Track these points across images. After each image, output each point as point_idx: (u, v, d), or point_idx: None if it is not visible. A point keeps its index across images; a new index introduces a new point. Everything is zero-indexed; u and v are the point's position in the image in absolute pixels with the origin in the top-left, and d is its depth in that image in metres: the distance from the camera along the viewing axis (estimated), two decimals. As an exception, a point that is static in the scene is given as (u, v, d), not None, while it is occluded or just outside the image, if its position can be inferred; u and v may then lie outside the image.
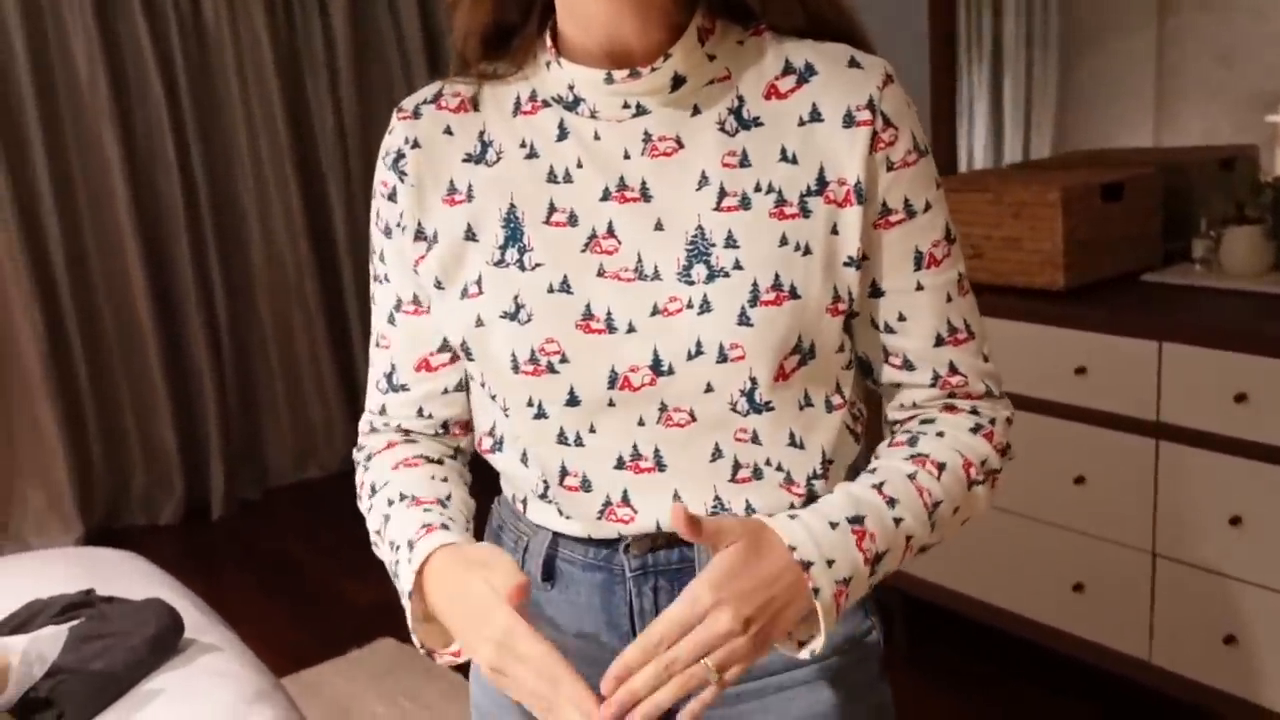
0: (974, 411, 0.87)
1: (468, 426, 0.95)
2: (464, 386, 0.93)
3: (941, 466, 0.83)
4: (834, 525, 0.77)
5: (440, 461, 0.92)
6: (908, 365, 0.86)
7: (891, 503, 0.80)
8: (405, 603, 0.82)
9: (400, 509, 0.86)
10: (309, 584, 3.18)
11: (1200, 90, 2.42)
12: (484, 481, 0.99)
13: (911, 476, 0.81)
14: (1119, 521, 1.99)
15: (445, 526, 0.83)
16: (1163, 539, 1.93)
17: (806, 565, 0.74)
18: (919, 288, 0.84)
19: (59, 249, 3.41)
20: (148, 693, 1.36)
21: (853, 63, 0.81)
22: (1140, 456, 1.93)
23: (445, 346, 0.90)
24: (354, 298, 3.94)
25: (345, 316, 3.96)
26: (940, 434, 0.85)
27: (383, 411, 0.94)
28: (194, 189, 3.59)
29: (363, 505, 0.92)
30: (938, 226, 0.84)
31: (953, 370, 0.86)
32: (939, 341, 0.85)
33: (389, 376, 0.93)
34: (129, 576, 1.68)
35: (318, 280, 3.83)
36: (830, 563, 0.75)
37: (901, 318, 0.84)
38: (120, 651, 1.35)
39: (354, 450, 0.98)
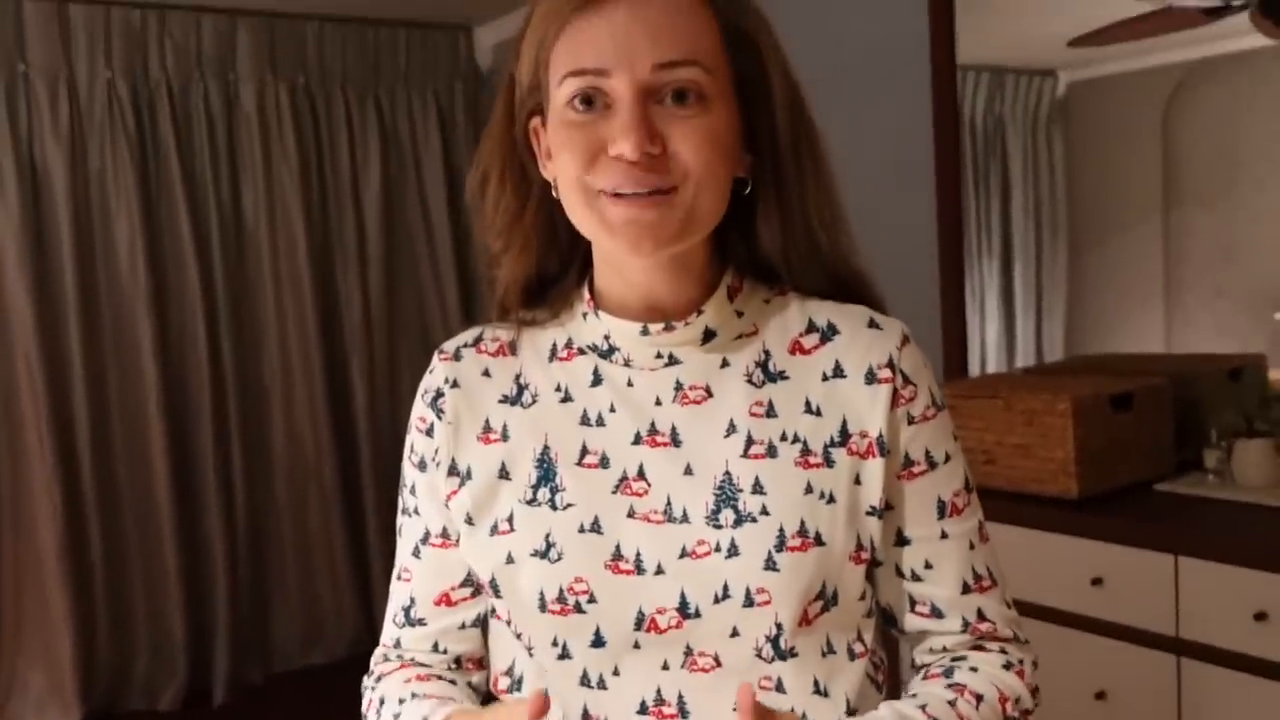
0: (1003, 652, 0.89)
1: (480, 663, 0.96)
2: (480, 623, 0.94)
3: (980, 697, 0.84)
4: None
5: (454, 683, 0.93)
6: (936, 613, 0.88)
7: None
8: None
9: (411, 704, 0.87)
10: (308, 779, 3.08)
11: (1206, 285, 2.48)
12: None
13: (952, 703, 0.82)
14: (1144, 741, 1.93)
15: (457, 701, 0.85)
16: (1190, 762, 1.87)
17: None
18: (944, 535, 0.87)
19: (85, 426, 3.47)
20: None
21: (872, 324, 0.87)
22: (1162, 673, 1.89)
23: (468, 581, 0.92)
24: (371, 485, 3.96)
25: (361, 502, 3.96)
26: (974, 669, 0.87)
27: (397, 645, 0.96)
28: (221, 372, 3.67)
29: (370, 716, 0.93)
30: (958, 476, 0.88)
31: (981, 617, 0.88)
32: (966, 589, 0.88)
33: (407, 610, 0.94)
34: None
35: (336, 465, 3.86)
36: None
37: (928, 565, 0.87)
38: None
39: (364, 678, 0.98)
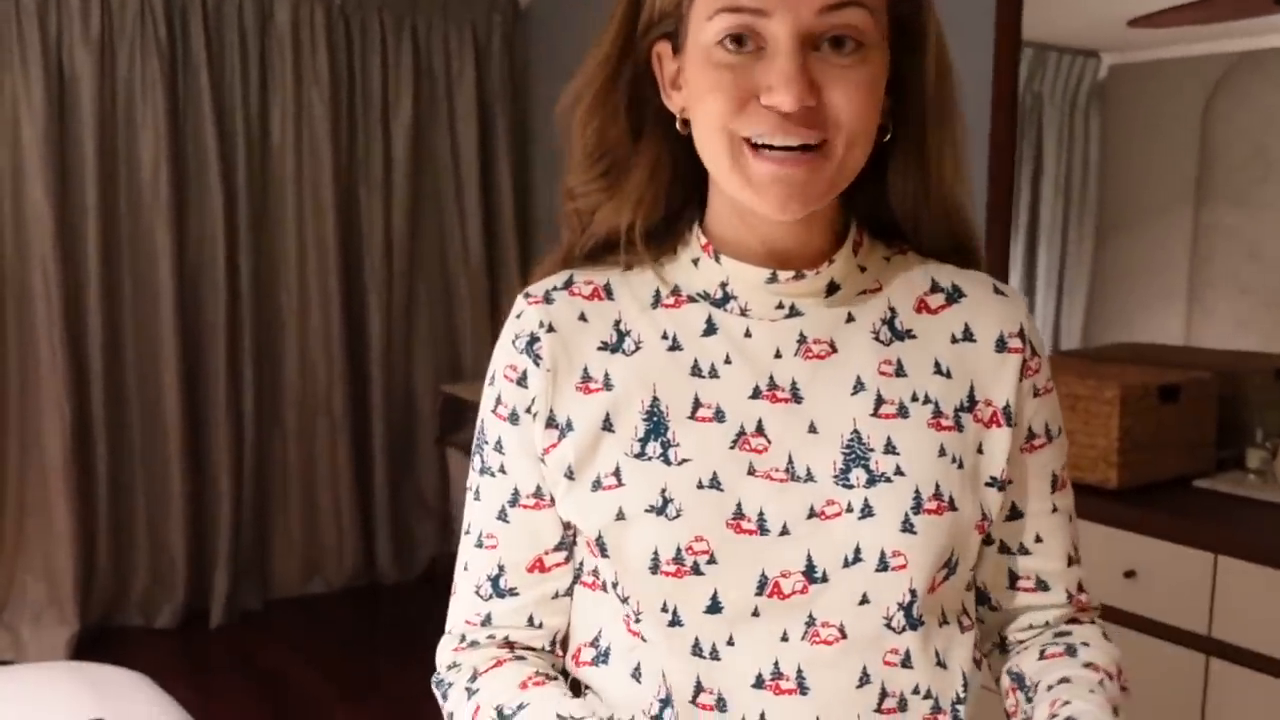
0: (1094, 623, 0.88)
1: (566, 644, 0.88)
2: (569, 593, 0.86)
3: (1109, 675, 0.82)
4: None
5: (557, 680, 0.84)
6: (1041, 586, 0.86)
7: (1116, 714, 0.78)
8: None
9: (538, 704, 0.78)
10: (304, 706, 3.08)
11: (1231, 283, 2.44)
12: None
13: (1101, 684, 0.80)
14: (1164, 737, 1.91)
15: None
16: (1210, 761, 1.86)
17: None
18: (1054, 510, 0.85)
19: (97, 340, 3.42)
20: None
21: (997, 290, 0.83)
22: (1189, 672, 1.86)
23: (562, 545, 0.85)
24: (380, 420, 3.91)
25: (370, 437, 3.92)
26: (1086, 643, 0.85)
27: (486, 622, 0.86)
28: (238, 294, 3.62)
29: None
30: (1065, 451, 0.86)
31: (1080, 588, 0.87)
32: (1070, 561, 0.86)
33: (495, 580, 0.85)
34: (135, 702, 1.62)
35: (346, 397, 3.82)
36: None
37: (1039, 539, 0.85)
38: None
39: (435, 677, 0.88)
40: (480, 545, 0.86)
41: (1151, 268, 2.58)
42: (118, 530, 3.54)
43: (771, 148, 0.73)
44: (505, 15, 4.02)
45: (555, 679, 0.85)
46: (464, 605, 0.87)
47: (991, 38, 2.62)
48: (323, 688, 3.17)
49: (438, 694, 0.87)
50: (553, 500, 0.84)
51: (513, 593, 0.85)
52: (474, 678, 0.84)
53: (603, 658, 0.83)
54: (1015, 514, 0.85)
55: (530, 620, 0.86)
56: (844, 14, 0.72)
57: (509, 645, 0.86)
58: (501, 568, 0.85)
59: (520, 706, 0.80)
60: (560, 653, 0.87)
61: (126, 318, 3.49)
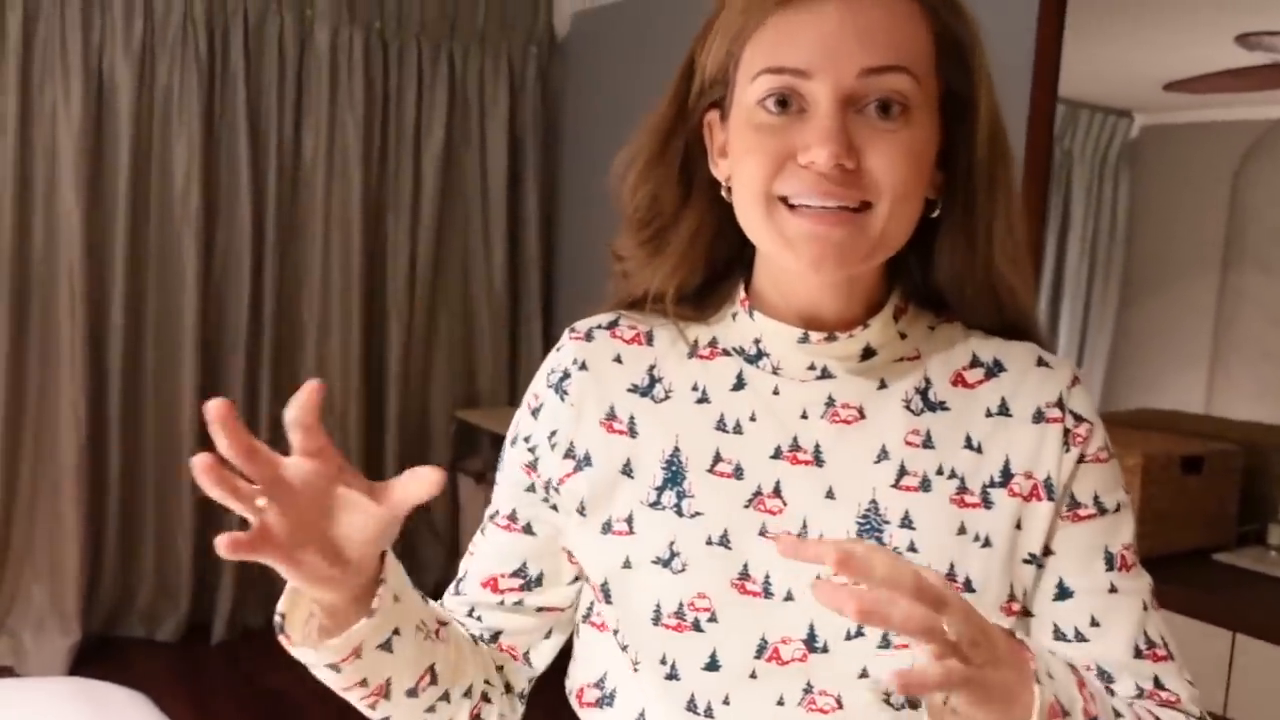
0: (1187, 716, 0.79)
1: (525, 658, 0.89)
2: (527, 610, 0.87)
3: None
4: (1052, 654, 0.70)
5: (476, 641, 0.87)
6: (1105, 677, 0.79)
7: (1118, 716, 0.72)
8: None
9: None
10: (300, 729, 3.06)
11: (1255, 350, 2.41)
12: None
13: (1130, 705, 0.75)
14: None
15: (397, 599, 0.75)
16: (1220, 845, 1.82)
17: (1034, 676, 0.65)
18: (1113, 589, 0.79)
19: (118, 347, 3.43)
20: None
21: (1041, 362, 0.81)
22: (1202, 750, 1.83)
23: (520, 573, 0.86)
24: (394, 442, 3.91)
25: (383, 454, 3.93)
26: (1155, 715, 0.77)
27: (441, 605, 0.91)
28: (260, 308, 3.63)
29: None
30: (1128, 529, 0.81)
31: (1159, 685, 0.79)
32: (1139, 654, 0.79)
33: (459, 582, 0.90)
34: (138, 722, 1.61)
35: (361, 417, 3.82)
36: (1051, 676, 0.66)
37: (1095, 623, 0.79)
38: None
39: None
40: (469, 551, 0.91)
41: (1175, 332, 2.56)
42: (125, 540, 3.53)
43: (809, 207, 0.72)
44: (541, 46, 4.05)
45: (474, 639, 0.86)
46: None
47: (1028, 93, 2.61)
48: (322, 709, 3.15)
49: None
50: (529, 529, 0.86)
51: (463, 596, 0.90)
52: None
53: (608, 700, 0.83)
54: (1064, 593, 0.79)
55: (471, 612, 0.89)
56: (887, 79, 0.71)
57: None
58: (465, 574, 0.90)
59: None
60: (509, 651, 0.88)
61: (148, 326, 3.51)
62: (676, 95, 0.80)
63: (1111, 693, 0.79)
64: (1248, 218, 2.44)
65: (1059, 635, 0.80)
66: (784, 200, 0.73)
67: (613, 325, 0.87)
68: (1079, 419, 0.80)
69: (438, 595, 3.37)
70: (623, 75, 3.84)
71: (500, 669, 0.89)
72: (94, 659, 3.32)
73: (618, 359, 0.85)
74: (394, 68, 3.79)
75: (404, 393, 3.92)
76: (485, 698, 0.87)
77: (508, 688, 0.90)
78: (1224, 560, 2.04)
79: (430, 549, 4.05)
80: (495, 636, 0.89)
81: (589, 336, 0.87)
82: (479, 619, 0.89)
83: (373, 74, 3.73)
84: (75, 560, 3.34)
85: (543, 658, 0.91)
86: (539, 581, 0.87)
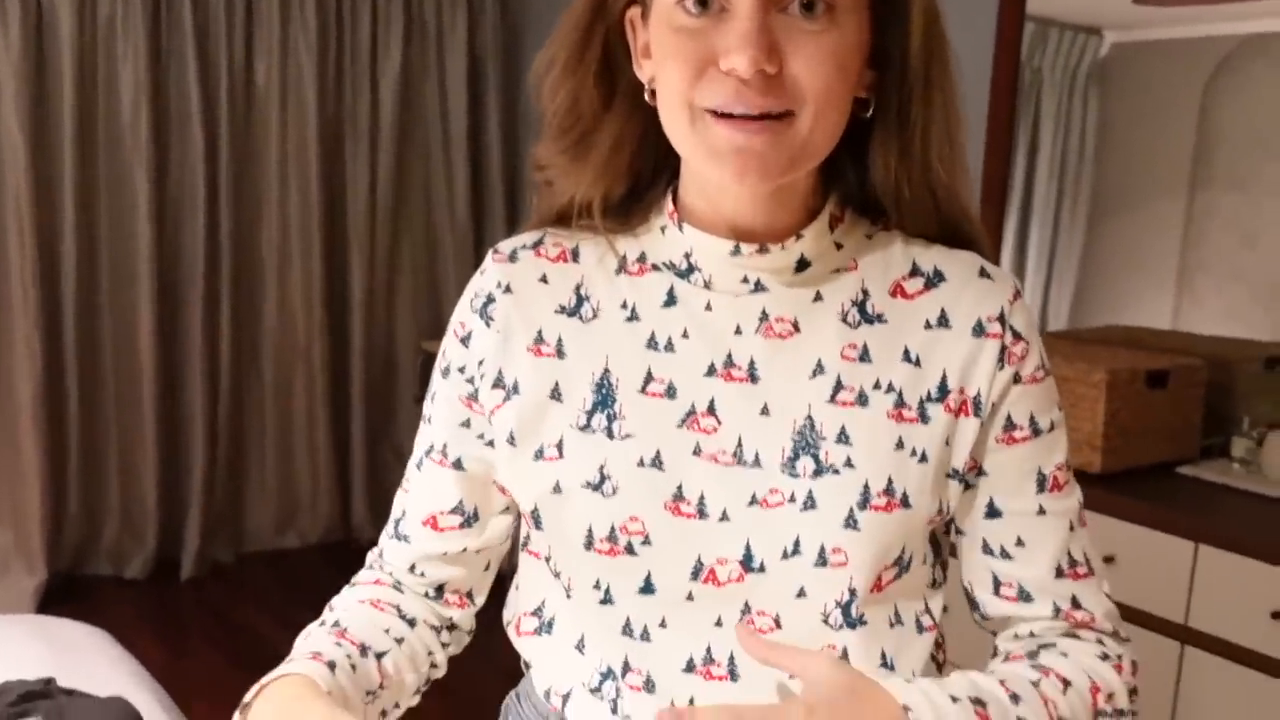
0: (1100, 643, 0.80)
1: (469, 598, 0.88)
2: (469, 554, 0.86)
3: (1067, 683, 0.75)
4: (955, 700, 0.69)
5: (411, 622, 0.84)
6: (1024, 596, 0.79)
7: (1015, 699, 0.72)
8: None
9: (320, 631, 0.79)
10: (275, 661, 3.05)
11: (1223, 269, 2.42)
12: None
13: (1035, 684, 0.74)
14: (1134, 723, 1.91)
15: (331, 667, 0.74)
16: (1180, 750, 1.85)
17: None
18: (1040, 511, 0.78)
19: (71, 281, 3.36)
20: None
21: (983, 273, 0.78)
22: (1163, 659, 1.85)
23: (459, 510, 0.84)
24: (359, 373, 3.87)
25: (348, 390, 3.88)
26: (1064, 654, 0.78)
27: (381, 555, 0.89)
28: (217, 241, 3.56)
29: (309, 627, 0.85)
30: (1061, 449, 0.79)
31: (1075, 604, 0.79)
32: (1060, 573, 0.78)
33: (397, 522, 0.87)
34: (93, 659, 1.58)
35: (326, 349, 3.77)
36: None
37: (1020, 543, 0.78)
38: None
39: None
40: (403, 487, 0.88)
41: (1143, 251, 2.56)
42: (88, 478, 3.49)
43: (731, 116, 0.69)
44: (499, -33, 3.95)
45: (407, 621, 0.85)
46: (382, 533, 0.90)
47: (995, 11, 2.57)
48: (292, 644, 3.15)
49: None
50: (459, 464, 0.84)
51: (405, 539, 0.87)
52: (352, 586, 0.88)
53: (546, 628, 0.82)
54: (994, 512, 0.79)
55: (413, 569, 0.87)
56: None
57: (393, 580, 0.88)
58: (404, 513, 0.87)
59: (338, 609, 0.83)
60: (453, 602, 0.87)
61: (102, 258, 3.43)
62: None
63: (1032, 659, 0.79)
64: (1216, 136, 2.42)
65: (987, 550, 0.80)
66: (710, 111, 0.70)
67: (537, 244, 0.84)
68: (1017, 336, 0.77)
69: None
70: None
71: (451, 627, 0.88)
72: (61, 598, 3.30)
73: (543, 279, 0.82)
74: (347, -11, 3.68)
75: (368, 324, 3.87)
76: (432, 665, 0.86)
77: (451, 627, 0.88)
78: (1188, 473, 2.06)
79: (395, 474, 4.03)
80: (440, 590, 0.87)
81: (513, 257, 0.83)
82: (422, 574, 0.86)
83: (325, -3, 3.62)
84: (37, 498, 3.30)
85: (484, 590, 0.90)
86: (476, 516, 0.85)
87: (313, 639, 0.79)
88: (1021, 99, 2.62)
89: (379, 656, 0.80)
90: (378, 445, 3.97)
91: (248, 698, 0.73)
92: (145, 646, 2.26)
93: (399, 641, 0.82)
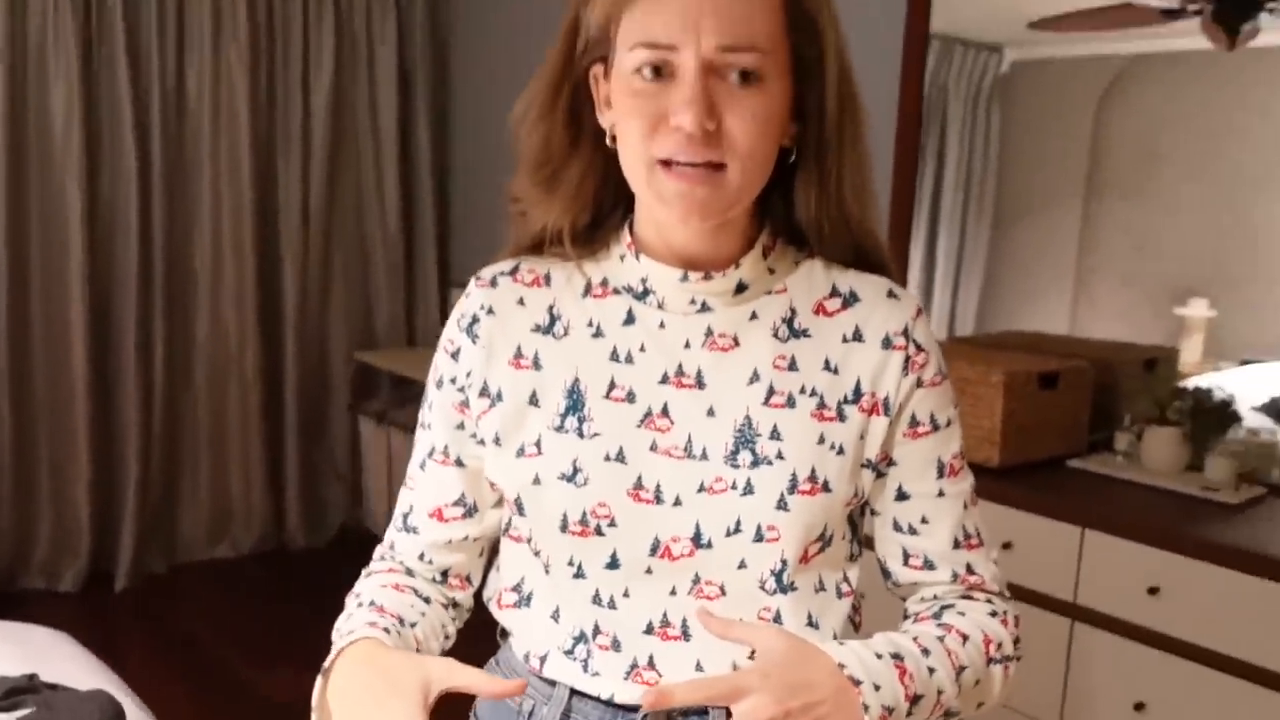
0: (989, 602, 0.95)
1: (468, 581, 1.01)
2: (470, 543, 0.99)
3: (965, 637, 0.90)
4: (879, 656, 0.84)
5: (428, 600, 0.98)
6: (928, 565, 0.94)
7: (925, 653, 0.87)
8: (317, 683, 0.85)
9: (361, 610, 0.92)
10: (214, 671, 3.09)
11: (1116, 274, 2.60)
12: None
13: (940, 639, 0.89)
14: (1029, 696, 2.07)
15: (386, 633, 0.88)
16: (1070, 718, 2.02)
17: (856, 683, 0.80)
18: (940, 494, 0.93)
19: (3, 292, 3.36)
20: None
21: (891, 294, 0.93)
22: (1055, 635, 2.03)
23: (460, 502, 0.98)
24: (292, 383, 3.92)
25: (281, 399, 3.93)
26: (962, 613, 0.93)
27: (392, 547, 1.01)
28: (150, 252, 3.58)
29: (347, 604, 0.97)
30: (956, 441, 0.94)
31: (970, 570, 0.94)
32: (956, 544, 0.94)
33: (405, 516, 1.00)
34: (64, 660, 1.64)
35: (259, 359, 3.81)
36: (877, 687, 0.81)
37: (924, 520, 0.93)
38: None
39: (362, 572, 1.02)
40: (406, 485, 1.01)
41: (1043, 258, 2.72)
42: (20, 488, 3.49)
43: (679, 164, 0.83)
44: (429, -16, 4.03)
45: (423, 598, 0.97)
46: (388, 530, 1.03)
47: (902, 29, 2.72)
48: (230, 651, 3.19)
49: None
50: (459, 462, 0.97)
51: (414, 530, 1.00)
52: (369, 575, 1.01)
53: (525, 601, 0.95)
54: (902, 496, 0.93)
55: (421, 556, 1.00)
56: (740, 56, 0.81)
57: (404, 567, 1.01)
58: (412, 507, 1.00)
59: (367, 592, 0.96)
60: (455, 584, 1.00)
61: (34, 274, 3.44)
62: (564, 48, 0.89)
63: (936, 627, 0.93)
64: (1109, 148, 2.60)
65: (896, 528, 0.95)
66: (661, 162, 0.83)
67: (514, 271, 0.96)
68: (919, 348, 0.91)
69: (344, 534, 3.55)
70: (511, 14, 3.84)
71: (454, 604, 1.01)
72: (-6, 611, 3.29)
73: (520, 301, 0.95)
74: (278, 4, 3.73)
75: (301, 336, 3.92)
76: (446, 637, 0.99)
77: (455, 605, 1.01)
78: (1076, 465, 2.24)
79: (333, 489, 4.09)
80: (445, 574, 1.00)
81: (493, 283, 0.96)
82: (429, 561, 0.99)
83: (257, 11, 3.67)
84: (-32, 512, 3.30)
85: (479, 574, 1.03)
86: (475, 508, 0.98)
87: (355, 618, 0.91)
88: (928, 112, 2.77)
89: (412, 626, 0.92)
90: (311, 454, 4.02)
91: (326, 664, 0.85)
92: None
93: (423, 615, 0.95)
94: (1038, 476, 2.17)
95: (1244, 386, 2.29)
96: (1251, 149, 2.34)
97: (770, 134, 0.85)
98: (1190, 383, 2.33)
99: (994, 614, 0.94)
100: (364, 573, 1.02)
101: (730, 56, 0.81)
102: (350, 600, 0.96)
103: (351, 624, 0.89)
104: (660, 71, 0.82)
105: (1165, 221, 2.50)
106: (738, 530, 0.87)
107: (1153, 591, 1.89)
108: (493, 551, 1.02)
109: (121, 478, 3.61)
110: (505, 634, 0.99)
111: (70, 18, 3.32)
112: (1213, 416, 2.18)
